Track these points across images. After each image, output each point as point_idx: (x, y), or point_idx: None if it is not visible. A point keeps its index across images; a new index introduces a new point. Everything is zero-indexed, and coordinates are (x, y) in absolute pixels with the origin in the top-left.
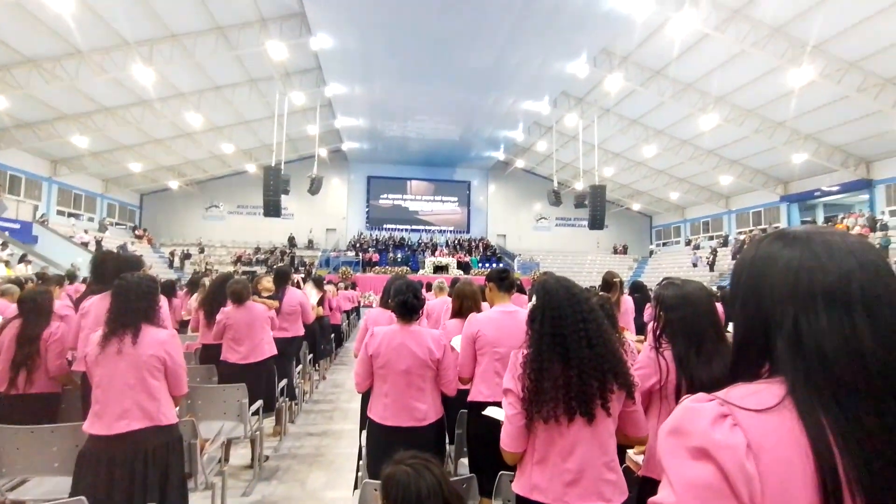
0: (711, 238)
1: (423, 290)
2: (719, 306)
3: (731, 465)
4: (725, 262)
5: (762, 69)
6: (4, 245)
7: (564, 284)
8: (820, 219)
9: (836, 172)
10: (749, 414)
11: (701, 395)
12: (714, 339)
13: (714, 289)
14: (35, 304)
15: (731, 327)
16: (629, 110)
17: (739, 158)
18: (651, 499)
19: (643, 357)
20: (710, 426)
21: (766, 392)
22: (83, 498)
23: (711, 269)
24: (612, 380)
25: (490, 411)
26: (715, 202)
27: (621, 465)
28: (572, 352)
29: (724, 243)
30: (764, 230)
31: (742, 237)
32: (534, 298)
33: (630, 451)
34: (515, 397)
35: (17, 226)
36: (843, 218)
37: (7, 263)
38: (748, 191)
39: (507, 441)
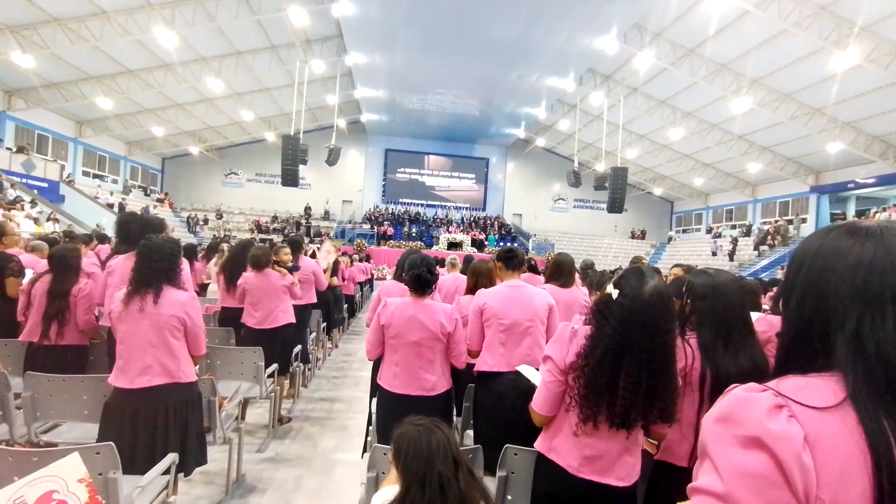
0: (734, 227)
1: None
2: None
3: (787, 456)
4: (746, 252)
5: (803, 51)
6: (34, 203)
7: (648, 310)
8: (851, 212)
9: (874, 164)
10: (806, 409)
11: (753, 384)
12: (743, 331)
13: None
14: (64, 261)
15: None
16: (658, 90)
17: (771, 145)
18: (692, 484)
19: None
20: (765, 416)
21: (823, 388)
22: (112, 443)
23: (731, 259)
24: (656, 415)
25: (525, 370)
26: (741, 190)
27: None
28: (625, 373)
29: (747, 233)
30: (790, 221)
31: (766, 227)
32: (616, 291)
33: None
34: (555, 367)
35: (45, 184)
36: (877, 212)
37: (36, 221)
38: (777, 179)
39: (540, 404)
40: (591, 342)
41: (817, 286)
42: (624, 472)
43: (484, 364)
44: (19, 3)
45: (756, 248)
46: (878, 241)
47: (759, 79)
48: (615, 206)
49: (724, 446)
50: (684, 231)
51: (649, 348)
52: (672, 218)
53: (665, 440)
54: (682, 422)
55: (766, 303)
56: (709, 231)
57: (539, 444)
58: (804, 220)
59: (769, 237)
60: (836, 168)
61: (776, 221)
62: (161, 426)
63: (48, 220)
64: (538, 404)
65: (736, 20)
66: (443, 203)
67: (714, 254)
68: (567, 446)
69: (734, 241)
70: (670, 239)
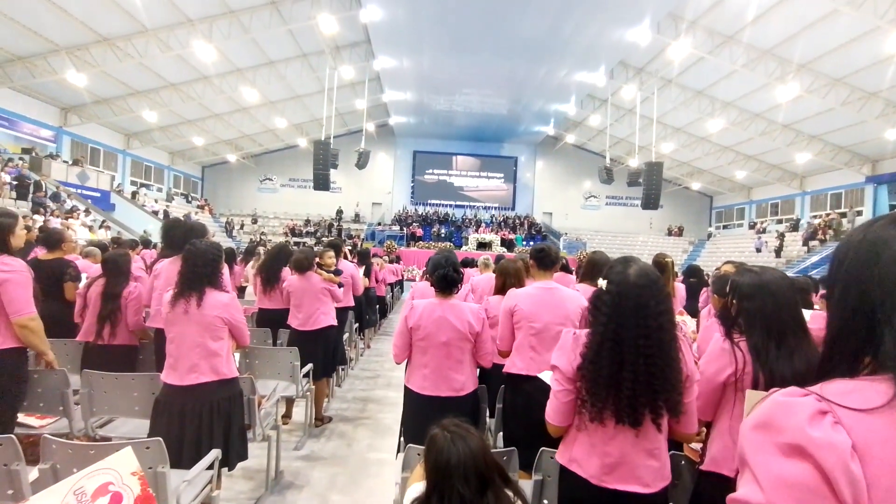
0: (780, 222)
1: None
2: None
3: (833, 466)
4: (794, 248)
5: (856, 31)
6: (87, 212)
7: (636, 292)
8: None
9: None
10: (852, 413)
11: (794, 388)
12: (796, 332)
13: None
14: (116, 265)
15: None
16: (694, 81)
17: (820, 134)
18: (731, 495)
19: (716, 348)
20: (807, 422)
21: (869, 390)
22: (160, 439)
23: (777, 256)
24: (662, 403)
25: (546, 377)
26: (787, 182)
27: (680, 451)
28: (627, 363)
29: (795, 227)
30: (843, 214)
31: (817, 221)
32: (604, 283)
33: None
34: (563, 375)
35: (97, 194)
36: None
37: (90, 228)
38: (828, 170)
39: (552, 415)
40: (590, 338)
41: (860, 278)
42: (649, 477)
43: (513, 366)
44: (73, 24)
45: (805, 243)
46: None
47: (805, 64)
48: (650, 203)
49: (763, 455)
50: (725, 227)
51: (645, 333)
52: (712, 213)
53: (711, 449)
54: (734, 430)
55: (817, 302)
56: (752, 226)
57: (559, 456)
58: (859, 213)
59: (820, 231)
60: (895, 156)
61: (828, 215)
62: (206, 422)
63: (101, 227)
64: (550, 415)
65: (778, 3)
66: (471, 203)
67: (758, 250)
68: (586, 456)
69: (780, 237)
70: (710, 235)
